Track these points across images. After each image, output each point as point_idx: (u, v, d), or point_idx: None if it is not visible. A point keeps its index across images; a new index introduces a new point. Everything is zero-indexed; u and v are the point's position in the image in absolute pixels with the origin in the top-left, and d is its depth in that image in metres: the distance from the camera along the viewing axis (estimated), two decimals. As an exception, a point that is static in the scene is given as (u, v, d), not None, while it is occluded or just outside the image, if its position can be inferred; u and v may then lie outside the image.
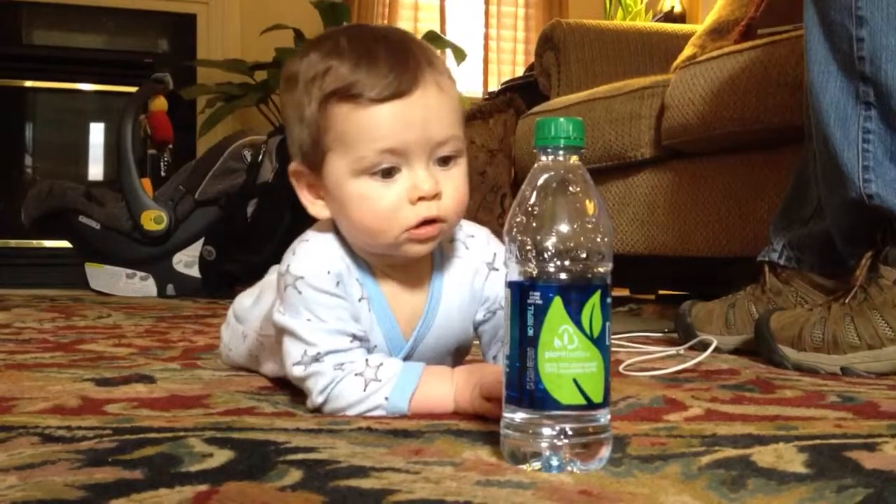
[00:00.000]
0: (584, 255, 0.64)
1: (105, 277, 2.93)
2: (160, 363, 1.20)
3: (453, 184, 0.84)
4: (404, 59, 0.81)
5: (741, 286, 1.51)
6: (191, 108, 3.90)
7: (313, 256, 0.86)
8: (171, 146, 3.26)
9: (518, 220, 0.66)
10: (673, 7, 3.98)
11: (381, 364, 0.84)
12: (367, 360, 0.85)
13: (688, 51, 2.58)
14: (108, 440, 0.71)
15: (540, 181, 0.66)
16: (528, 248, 0.65)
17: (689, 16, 4.02)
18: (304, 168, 0.87)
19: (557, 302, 0.64)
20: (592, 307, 0.64)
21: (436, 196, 0.82)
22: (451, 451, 0.69)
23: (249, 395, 0.95)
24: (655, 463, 0.66)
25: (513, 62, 4.58)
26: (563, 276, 0.64)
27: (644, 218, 2.26)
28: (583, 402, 0.64)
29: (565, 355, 0.64)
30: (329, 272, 0.85)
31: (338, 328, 0.84)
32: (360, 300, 0.87)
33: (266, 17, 3.86)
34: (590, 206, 0.66)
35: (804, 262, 1.44)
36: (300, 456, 0.66)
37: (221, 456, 0.66)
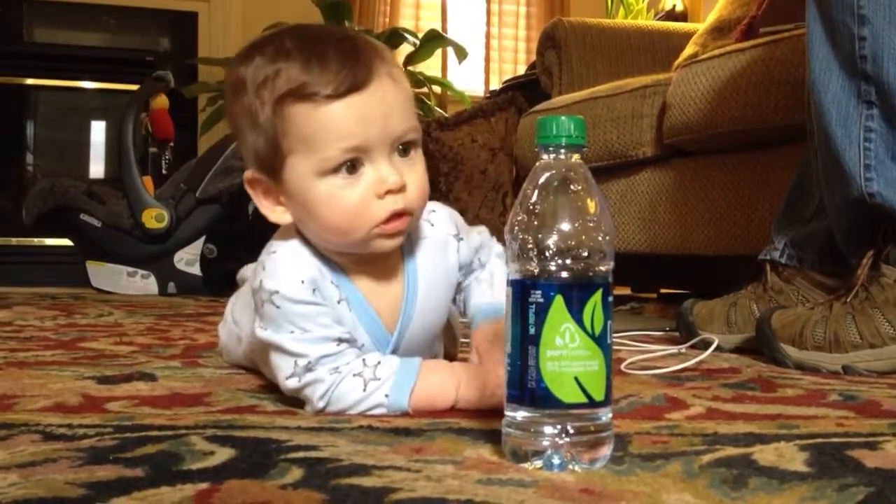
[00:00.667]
0: (585, 254, 0.64)
1: (106, 275, 2.93)
2: (161, 361, 1.20)
3: (415, 174, 0.84)
4: (354, 54, 0.80)
5: (743, 285, 1.51)
6: (192, 107, 3.90)
7: (284, 268, 0.84)
8: (172, 144, 3.26)
9: (519, 218, 0.66)
10: (674, 6, 3.98)
11: (379, 363, 0.84)
12: (364, 359, 0.84)
13: (689, 49, 2.58)
14: (109, 438, 0.71)
15: (541, 179, 0.66)
16: (530, 246, 0.65)
17: (691, 14, 4.02)
18: (261, 175, 0.85)
19: (559, 300, 0.64)
20: (594, 306, 0.64)
21: (402, 188, 0.82)
22: (453, 449, 0.69)
23: (251, 393, 0.95)
24: (657, 461, 0.66)
25: (514, 60, 4.58)
26: (564, 274, 0.64)
27: (646, 216, 2.26)
28: (584, 400, 0.64)
29: (567, 354, 0.64)
30: (303, 281, 0.83)
31: (323, 335, 0.83)
32: (338, 302, 0.86)
33: (267, 14, 3.86)
34: (591, 205, 0.66)
35: (806, 260, 1.44)
36: (301, 454, 0.66)
37: (223, 454, 0.66)
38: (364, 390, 0.83)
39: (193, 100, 3.86)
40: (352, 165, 0.80)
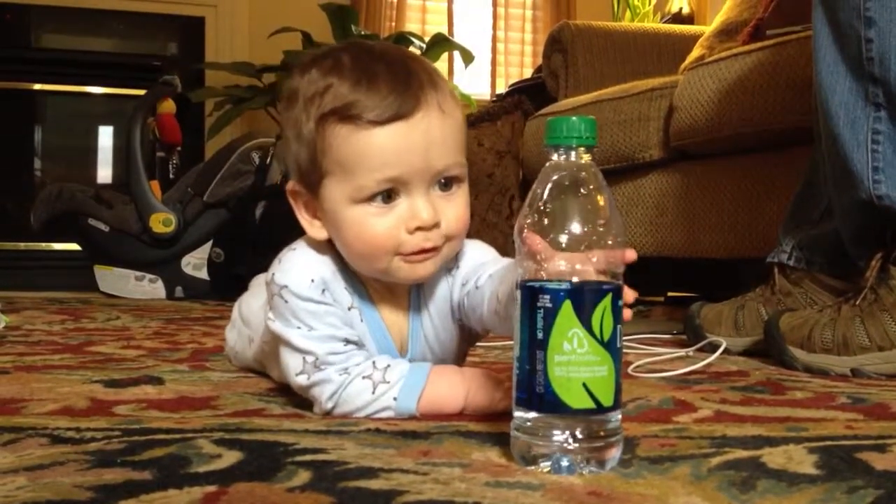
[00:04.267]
0: (594, 258, 0.64)
1: (114, 280, 2.94)
2: (169, 365, 1.20)
3: (455, 209, 0.83)
4: (405, 79, 0.79)
5: (750, 287, 1.50)
6: (199, 111, 3.90)
7: (297, 265, 0.84)
8: (179, 149, 3.26)
9: (528, 220, 0.66)
10: (681, 8, 3.97)
11: (389, 366, 0.84)
12: (373, 362, 0.84)
13: (696, 52, 2.58)
14: (116, 441, 0.71)
15: (551, 181, 0.66)
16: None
17: (698, 17, 4.02)
18: (301, 188, 0.85)
19: (567, 305, 0.63)
20: (603, 310, 0.64)
21: (435, 225, 0.81)
22: (460, 452, 0.69)
23: (258, 396, 0.95)
24: (665, 464, 0.66)
25: (521, 64, 4.57)
26: (573, 278, 0.64)
27: (653, 219, 2.25)
28: (592, 406, 0.64)
29: (575, 359, 0.63)
30: (313, 280, 0.83)
31: (329, 334, 0.83)
32: (349, 309, 0.86)
33: (274, 19, 3.87)
34: (602, 207, 0.65)
35: (814, 263, 1.43)
36: (309, 457, 0.66)
37: (230, 457, 0.66)
38: (373, 393, 0.82)
39: (200, 104, 3.87)
40: (387, 195, 0.80)
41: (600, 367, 0.64)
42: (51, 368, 1.15)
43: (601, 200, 0.65)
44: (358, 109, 0.78)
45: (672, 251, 2.19)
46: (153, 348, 1.41)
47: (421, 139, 0.79)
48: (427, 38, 4.02)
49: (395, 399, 0.83)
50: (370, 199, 0.80)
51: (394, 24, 4.36)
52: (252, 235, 2.79)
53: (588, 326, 0.63)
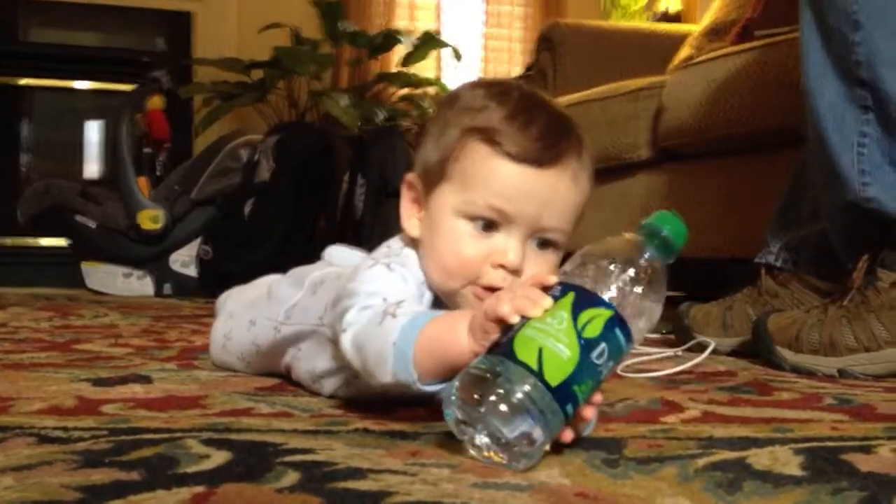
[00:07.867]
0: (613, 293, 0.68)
1: (102, 276, 2.93)
2: (157, 363, 1.20)
3: (538, 268, 0.82)
4: (557, 136, 0.82)
5: (738, 288, 1.51)
6: (188, 107, 3.89)
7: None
8: (167, 145, 3.25)
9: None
10: (667, 8, 3.98)
11: (403, 301, 0.79)
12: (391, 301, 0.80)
13: (685, 52, 2.58)
14: (104, 441, 0.71)
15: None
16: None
17: (687, 17, 4.02)
18: (418, 182, 0.87)
19: (570, 295, 0.67)
20: (594, 317, 0.66)
21: (516, 271, 0.81)
22: (449, 453, 0.69)
23: (247, 395, 0.95)
24: (652, 465, 0.66)
25: (510, 62, 4.58)
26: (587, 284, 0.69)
27: (640, 219, 2.25)
28: (534, 366, 0.64)
29: (547, 329, 0.66)
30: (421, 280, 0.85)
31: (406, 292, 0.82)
32: None
33: (264, 15, 3.86)
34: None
35: (801, 264, 1.44)
36: (298, 457, 0.66)
37: (219, 457, 0.66)
38: (379, 324, 0.76)
39: (189, 100, 3.86)
40: (488, 224, 0.81)
41: (564, 349, 0.65)
42: (37, 366, 1.15)
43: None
44: (502, 138, 0.80)
45: (660, 251, 2.19)
46: (141, 346, 1.40)
47: (543, 192, 0.81)
48: (416, 35, 4.02)
49: (394, 344, 0.74)
50: (473, 218, 0.81)
51: (383, 20, 4.36)
52: (240, 233, 2.78)
53: (575, 317, 0.66)
